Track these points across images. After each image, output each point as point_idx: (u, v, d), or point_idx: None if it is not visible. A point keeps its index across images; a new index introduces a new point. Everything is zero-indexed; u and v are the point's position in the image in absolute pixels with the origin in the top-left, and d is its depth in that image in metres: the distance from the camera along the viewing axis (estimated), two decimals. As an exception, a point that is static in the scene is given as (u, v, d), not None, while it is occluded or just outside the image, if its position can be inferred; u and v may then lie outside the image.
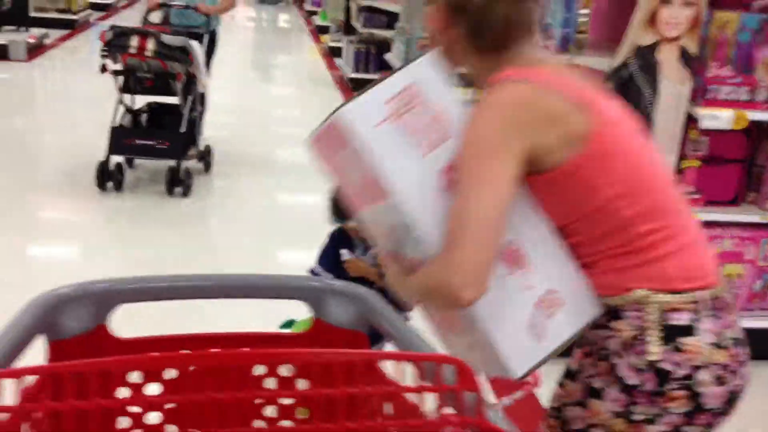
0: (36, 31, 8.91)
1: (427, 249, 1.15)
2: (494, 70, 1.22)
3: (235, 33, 13.38)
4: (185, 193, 4.39)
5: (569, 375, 1.31)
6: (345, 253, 2.09)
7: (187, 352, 0.88)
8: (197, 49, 4.35)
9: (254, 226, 4.19)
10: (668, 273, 1.20)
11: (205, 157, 4.86)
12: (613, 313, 1.22)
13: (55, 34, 9.47)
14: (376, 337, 1.92)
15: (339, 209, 2.07)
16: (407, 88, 1.14)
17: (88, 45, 10.22)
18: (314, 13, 13.94)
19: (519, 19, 1.22)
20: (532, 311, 1.18)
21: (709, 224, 2.62)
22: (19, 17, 8.84)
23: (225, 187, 4.83)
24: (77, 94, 6.89)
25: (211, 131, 5.69)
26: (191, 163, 4.63)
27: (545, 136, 1.17)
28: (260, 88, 8.65)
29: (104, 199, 4.33)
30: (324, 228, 4.08)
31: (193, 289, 1.29)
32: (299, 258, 3.74)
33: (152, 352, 1.21)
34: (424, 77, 1.17)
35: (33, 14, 9.51)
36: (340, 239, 2.15)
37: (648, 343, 1.18)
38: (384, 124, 1.12)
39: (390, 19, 7.61)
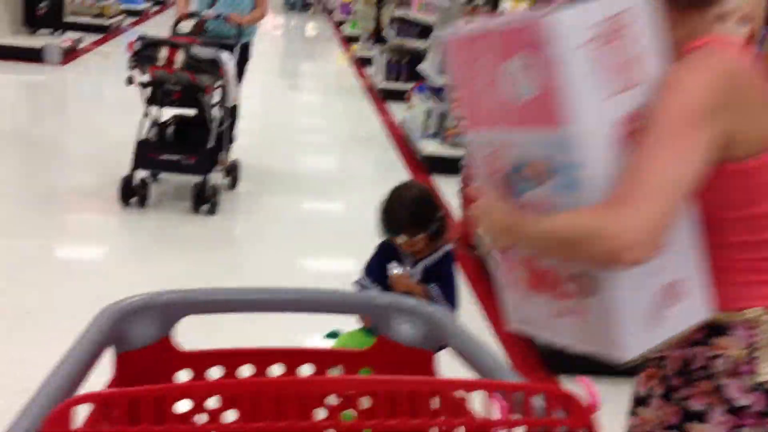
0: (71, 35, 9.02)
1: (585, 196, 1.03)
2: (693, 35, 1.14)
3: (262, 40, 13.46)
4: (212, 211, 4.21)
5: (642, 402, 1.26)
6: (393, 267, 2.06)
7: (276, 378, 0.83)
8: (228, 61, 4.21)
9: (283, 242, 4.13)
10: None
11: (232, 172, 4.68)
12: (715, 329, 1.15)
13: (89, 38, 9.59)
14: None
15: (389, 222, 2.04)
16: (618, 15, 1.01)
17: (121, 50, 10.33)
18: (343, 22, 14.00)
19: None
20: (657, 295, 1.08)
21: None
22: (54, 21, 8.95)
23: (252, 202, 4.75)
24: (110, 99, 6.94)
25: (238, 140, 5.72)
26: (218, 178, 4.46)
27: (749, 122, 1.08)
28: (288, 96, 8.68)
29: (127, 215, 4.18)
30: (355, 238, 4.11)
31: (258, 302, 1.26)
32: (332, 270, 3.80)
33: (216, 365, 1.19)
34: (637, 9, 1.04)
35: (68, 19, 9.63)
36: (387, 251, 2.13)
37: (758, 363, 1.12)
38: (584, 49, 0.99)
39: (422, 30, 7.61)
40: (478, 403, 0.87)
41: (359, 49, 10.73)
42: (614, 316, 1.06)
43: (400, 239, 2.02)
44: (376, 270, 2.11)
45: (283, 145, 6.19)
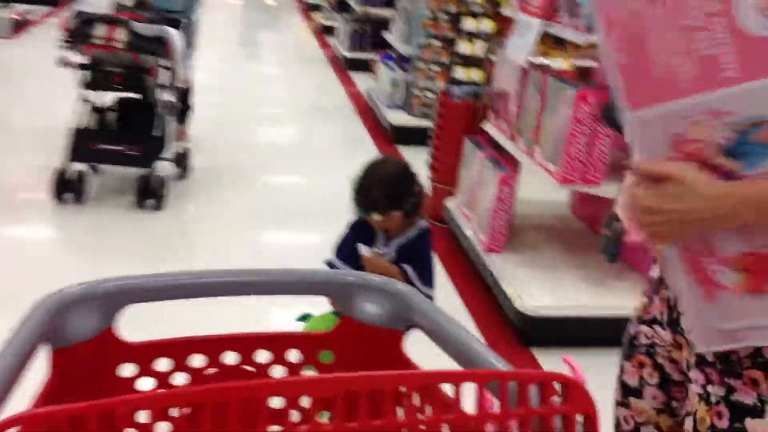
0: (20, 7, 8.64)
1: None
2: None
3: (219, 9, 13.11)
4: (158, 206, 3.77)
5: (633, 392, 1.15)
6: (363, 248, 1.96)
7: (245, 383, 0.70)
8: (176, 39, 3.75)
9: (244, 222, 3.91)
10: None
11: (183, 160, 4.23)
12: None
13: (39, 10, 9.20)
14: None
15: (363, 200, 1.93)
16: None
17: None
18: (305, -10, 13.67)
19: None
20: None
21: None
22: (1, -8, 8.55)
23: (209, 183, 4.42)
24: (62, 74, 6.64)
25: (194, 117, 5.50)
26: (167, 169, 3.93)
27: None
28: (248, 67, 8.43)
29: (62, 212, 3.71)
30: (322, 213, 3.99)
31: (210, 286, 1.13)
32: (298, 249, 3.68)
33: (164, 357, 1.07)
34: None
35: (16, -11, 9.21)
36: (359, 230, 2.02)
37: None
38: None
39: (387, -3, 7.43)
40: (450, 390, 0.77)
41: (322, 17, 10.48)
42: None
43: (375, 217, 1.92)
44: (347, 250, 2.00)
45: (243, 117, 5.97)
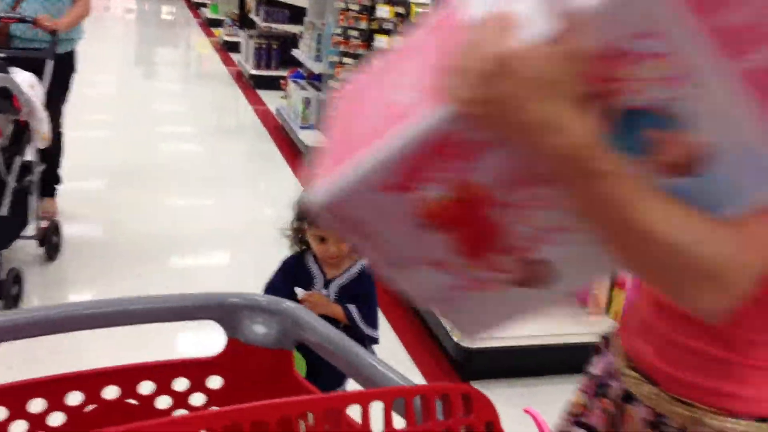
0: None
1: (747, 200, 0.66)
2: None
3: (113, 26, 12.50)
4: (11, 304, 2.81)
5: (582, 425, 1.04)
6: (300, 292, 1.79)
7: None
8: (27, 88, 2.89)
9: (147, 255, 3.70)
10: None
11: (50, 239, 3.30)
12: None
13: None
14: (335, 378, 1.66)
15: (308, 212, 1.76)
16: None
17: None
18: (203, 5, 13.28)
19: None
20: None
21: None
22: None
23: (102, 216, 4.20)
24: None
25: (86, 133, 5.09)
26: (29, 249, 3.19)
27: None
28: (145, 85, 8.01)
29: None
30: (234, 238, 3.75)
31: (86, 318, 1.01)
32: (210, 276, 3.42)
33: (35, 398, 0.96)
34: None
35: None
36: (291, 272, 1.84)
37: None
38: None
39: (293, 13, 7.26)
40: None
41: (224, 33, 10.16)
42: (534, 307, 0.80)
43: (331, 238, 1.78)
44: (281, 290, 1.81)
45: (142, 140, 5.60)
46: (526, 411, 1.44)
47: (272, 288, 1.86)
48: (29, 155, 3.13)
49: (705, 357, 0.84)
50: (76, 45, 3.73)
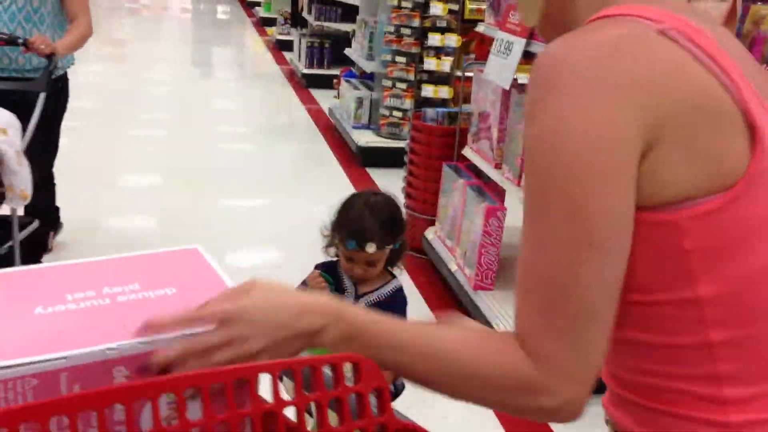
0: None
1: None
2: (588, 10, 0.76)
3: (170, 26, 12.73)
4: None
5: None
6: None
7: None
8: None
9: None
10: None
11: None
12: None
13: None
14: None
15: (357, 230, 1.72)
16: None
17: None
18: (257, 4, 13.40)
19: None
20: None
21: None
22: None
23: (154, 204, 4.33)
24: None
25: (143, 132, 5.18)
26: None
27: (678, 142, 0.67)
28: (200, 85, 8.10)
29: None
30: (284, 239, 3.73)
31: None
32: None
33: None
34: None
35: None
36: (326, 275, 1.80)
37: None
38: None
39: (345, 11, 7.22)
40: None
41: (276, 32, 10.21)
42: None
43: (369, 249, 1.71)
44: None
45: (196, 139, 5.67)
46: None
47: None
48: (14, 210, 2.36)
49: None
50: (67, 68, 3.05)
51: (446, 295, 3.22)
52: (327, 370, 0.69)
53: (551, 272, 0.67)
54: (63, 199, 4.21)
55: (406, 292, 1.85)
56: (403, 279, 1.90)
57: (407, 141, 3.73)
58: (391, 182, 4.14)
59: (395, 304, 1.78)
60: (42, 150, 2.78)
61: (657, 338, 0.73)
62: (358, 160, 5.14)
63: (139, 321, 0.68)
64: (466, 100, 3.59)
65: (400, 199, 3.99)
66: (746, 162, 0.68)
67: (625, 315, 0.72)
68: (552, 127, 0.66)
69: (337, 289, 1.78)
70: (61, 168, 4.80)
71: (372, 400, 0.70)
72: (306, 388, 0.67)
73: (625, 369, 0.78)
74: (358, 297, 1.78)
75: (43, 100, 2.64)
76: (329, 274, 1.80)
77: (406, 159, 3.73)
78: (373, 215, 1.74)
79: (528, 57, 4.72)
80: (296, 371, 0.66)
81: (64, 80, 3.01)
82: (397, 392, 1.76)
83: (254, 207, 4.35)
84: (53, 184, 3.15)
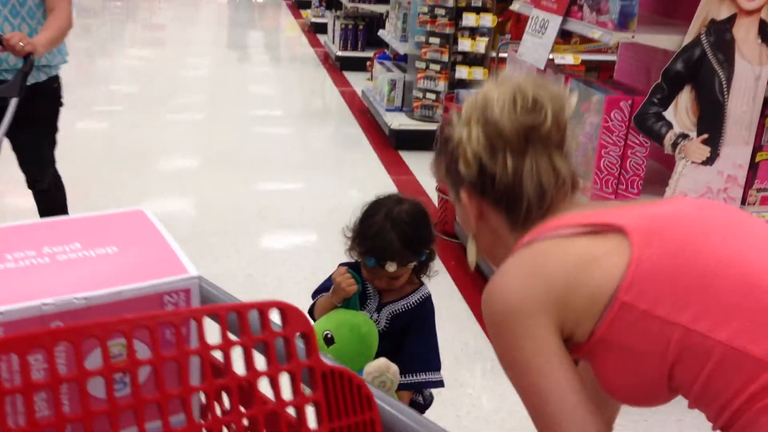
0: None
1: None
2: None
3: (207, 9, 12.78)
4: None
5: None
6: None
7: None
8: None
9: (240, 232, 3.75)
10: None
11: None
12: None
13: None
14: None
15: (377, 247, 1.54)
16: None
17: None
18: (292, -14, 13.38)
19: (555, 179, 0.96)
20: None
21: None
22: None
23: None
24: None
25: (178, 115, 5.25)
26: None
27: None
28: (235, 69, 8.13)
29: None
30: (321, 224, 3.73)
31: None
32: (296, 261, 3.40)
33: None
34: None
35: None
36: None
37: None
38: None
39: (379, -7, 7.15)
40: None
41: (311, 15, 10.18)
42: None
43: (390, 268, 1.54)
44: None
45: (231, 122, 5.69)
46: None
47: (321, 292, 1.67)
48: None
49: None
50: (59, 68, 2.71)
51: (477, 279, 3.18)
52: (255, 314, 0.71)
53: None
54: (100, 181, 4.27)
55: (437, 277, 1.72)
56: (434, 263, 1.71)
57: (440, 123, 3.68)
58: (423, 166, 4.09)
59: (422, 313, 1.64)
60: (38, 161, 2.66)
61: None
62: (391, 143, 5.11)
63: (78, 278, 0.68)
64: (500, 81, 3.52)
65: (431, 187, 3.98)
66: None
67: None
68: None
69: (360, 294, 1.62)
70: (99, 150, 4.87)
71: (300, 344, 0.72)
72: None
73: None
74: (381, 306, 1.64)
75: (14, 106, 2.32)
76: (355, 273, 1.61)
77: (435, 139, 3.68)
78: (394, 230, 1.53)
79: (564, 36, 4.62)
80: (221, 316, 0.68)
81: (56, 82, 2.69)
82: (426, 404, 1.68)
83: (289, 191, 4.36)
84: (62, 187, 2.90)
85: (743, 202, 2.35)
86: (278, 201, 4.14)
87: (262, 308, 0.70)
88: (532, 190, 0.95)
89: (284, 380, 0.71)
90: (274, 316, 0.72)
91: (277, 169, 4.68)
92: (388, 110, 5.29)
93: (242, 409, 0.69)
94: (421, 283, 1.67)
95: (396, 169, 4.69)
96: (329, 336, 1.52)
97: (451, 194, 1.05)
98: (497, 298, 0.91)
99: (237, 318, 0.69)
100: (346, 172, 4.78)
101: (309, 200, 4.17)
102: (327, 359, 0.74)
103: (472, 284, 3.20)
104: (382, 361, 1.48)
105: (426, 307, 1.65)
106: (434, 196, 3.88)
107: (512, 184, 0.95)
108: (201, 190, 4.21)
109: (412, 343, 1.61)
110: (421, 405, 1.68)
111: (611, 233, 0.90)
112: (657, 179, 2.40)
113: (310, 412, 0.72)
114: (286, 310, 0.71)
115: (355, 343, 1.52)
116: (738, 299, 0.83)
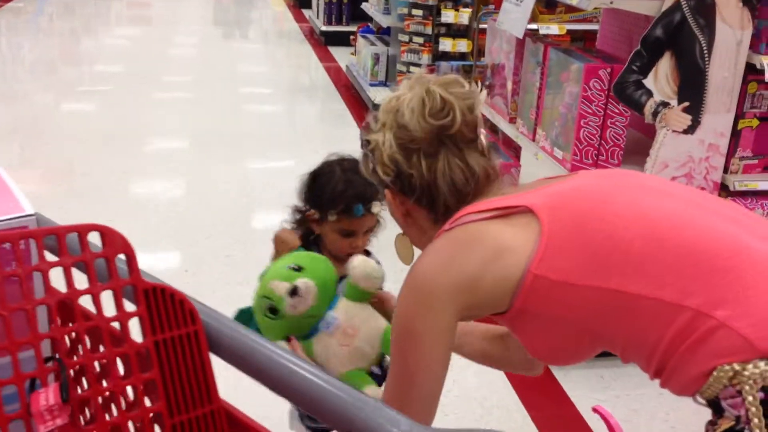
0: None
1: None
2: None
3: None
4: None
5: None
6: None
7: None
8: None
9: (230, 207, 3.70)
10: (746, 335, 0.86)
11: None
12: (715, 408, 0.91)
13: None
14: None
15: (357, 193, 1.48)
16: None
17: (35, 6, 9.45)
18: (277, -39, 13.13)
19: (469, 175, 1.03)
20: None
21: (768, 194, 2.22)
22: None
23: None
24: (25, 58, 6.24)
25: (167, 94, 5.16)
26: None
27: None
28: (224, 46, 8.00)
29: None
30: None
31: None
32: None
33: None
34: None
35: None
36: None
37: None
38: None
39: (363, -35, 7.01)
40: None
41: (296, -10, 10.02)
42: None
43: (376, 207, 1.49)
44: None
45: (217, 100, 5.61)
46: (595, 410, 1.27)
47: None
48: None
49: None
50: None
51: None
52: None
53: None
54: (90, 160, 4.21)
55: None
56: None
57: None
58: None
59: None
60: None
61: None
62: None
63: None
64: (483, 53, 3.45)
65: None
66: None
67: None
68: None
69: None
70: (84, 131, 4.80)
71: (121, 265, 0.75)
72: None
73: None
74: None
75: None
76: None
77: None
78: (357, 174, 1.40)
79: (549, 6, 4.53)
80: (38, 239, 0.71)
81: None
82: (383, 374, 1.60)
83: (274, 168, 4.30)
84: None
85: (725, 170, 2.31)
86: (268, 178, 4.08)
87: (81, 231, 0.73)
88: (446, 189, 1.02)
89: (108, 297, 0.74)
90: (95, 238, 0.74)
91: (262, 148, 4.61)
92: (371, 85, 5.21)
93: (66, 324, 0.74)
94: (369, 253, 1.59)
95: (380, 144, 4.63)
96: (296, 267, 1.42)
97: (381, 193, 1.11)
98: (419, 277, 0.99)
99: (56, 240, 0.71)
100: (333, 149, 4.70)
101: (295, 177, 4.10)
102: (149, 278, 0.78)
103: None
104: (362, 257, 1.43)
105: None
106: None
107: (428, 184, 1.02)
108: (188, 168, 4.16)
109: None
110: (379, 376, 1.59)
111: (520, 214, 0.96)
112: (638, 149, 2.35)
113: (135, 326, 0.75)
114: (105, 232, 0.74)
115: (323, 270, 1.45)
116: (644, 252, 0.90)
